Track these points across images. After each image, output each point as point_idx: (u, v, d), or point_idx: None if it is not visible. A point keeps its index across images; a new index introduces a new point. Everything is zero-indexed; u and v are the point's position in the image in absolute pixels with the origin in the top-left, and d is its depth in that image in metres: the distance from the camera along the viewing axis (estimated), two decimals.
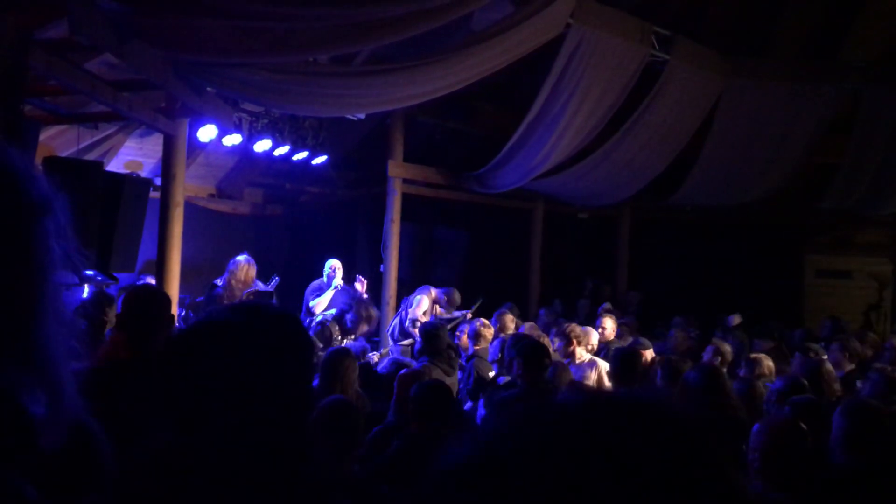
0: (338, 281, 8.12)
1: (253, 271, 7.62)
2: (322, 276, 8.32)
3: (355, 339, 7.42)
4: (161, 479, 1.36)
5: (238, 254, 7.72)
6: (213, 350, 1.38)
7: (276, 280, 7.82)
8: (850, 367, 6.60)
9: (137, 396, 2.48)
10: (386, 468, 3.67)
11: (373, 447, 4.19)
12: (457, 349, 6.58)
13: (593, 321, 10.17)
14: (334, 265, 8.24)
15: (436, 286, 8.67)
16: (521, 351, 5.29)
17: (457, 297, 8.66)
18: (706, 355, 6.71)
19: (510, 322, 7.72)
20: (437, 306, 8.62)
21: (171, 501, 1.33)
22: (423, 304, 8.48)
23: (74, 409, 1.12)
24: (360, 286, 8.18)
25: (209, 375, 1.36)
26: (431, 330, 6.25)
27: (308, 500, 1.38)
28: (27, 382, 1.03)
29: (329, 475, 1.56)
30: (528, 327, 7.79)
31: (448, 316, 8.60)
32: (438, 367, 5.94)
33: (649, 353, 6.90)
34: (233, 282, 7.46)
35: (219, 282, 7.52)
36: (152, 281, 7.39)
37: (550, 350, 6.07)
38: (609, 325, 7.97)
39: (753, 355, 6.10)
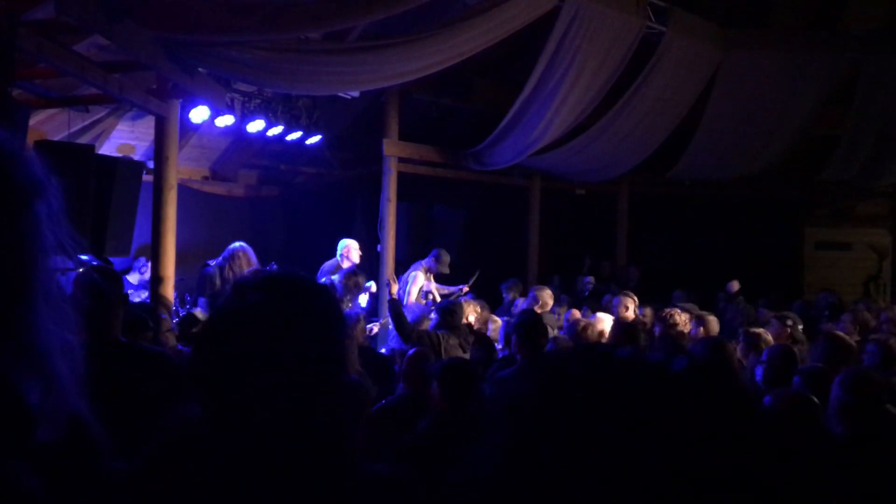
0: (347, 264, 7.96)
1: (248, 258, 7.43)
2: (335, 255, 8.20)
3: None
4: (187, 459, 1.32)
5: (234, 241, 7.52)
6: (247, 329, 1.31)
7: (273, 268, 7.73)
8: (856, 338, 6.56)
9: (99, 379, 2.43)
10: (417, 447, 3.63)
11: (384, 423, 4.15)
12: (470, 326, 6.58)
13: (592, 298, 10.19)
14: (349, 245, 8.11)
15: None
16: (518, 327, 5.28)
17: (445, 257, 8.59)
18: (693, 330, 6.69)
19: (549, 298, 7.68)
20: (431, 275, 8.56)
21: (196, 482, 1.28)
22: (418, 280, 8.45)
23: (72, 400, 1.07)
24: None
25: (244, 354, 1.30)
26: (448, 306, 6.34)
27: (342, 480, 1.33)
28: (22, 373, 0.99)
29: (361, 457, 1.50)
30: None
31: (445, 291, 8.58)
32: (452, 343, 5.97)
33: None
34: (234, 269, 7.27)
35: (212, 262, 7.42)
36: (148, 264, 7.34)
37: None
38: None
39: (753, 330, 6.05)
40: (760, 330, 6.16)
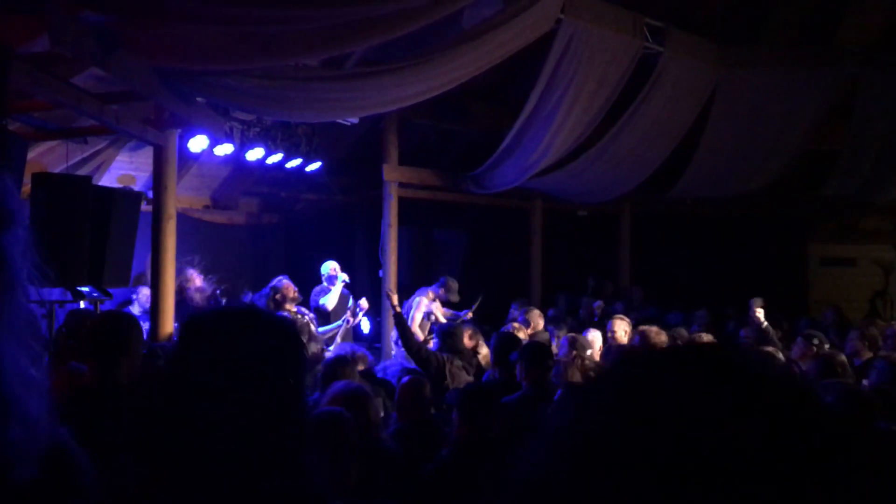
0: (343, 276, 8.17)
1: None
2: (321, 281, 8.28)
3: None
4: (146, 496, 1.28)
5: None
6: (206, 366, 1.30)
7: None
8: (868, 355, 6.48)
9: (105, 423, 2.40)
10: (438, 475, 3.58)
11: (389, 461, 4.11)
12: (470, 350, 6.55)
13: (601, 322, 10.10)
14: (333, 266, 8.20)
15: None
16: (524, 353, 5.23)
17: (453, 284, 8.59)
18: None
19: (538, 318, 7.64)
20: (439, 302, 8.55)
21: None
22: (422, 306, 8.42)
23: (44, 438, 1.02)
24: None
25: (203, 391, 1.28)
26: (448, 329, 6.32)
27: None
28: None
29: (323, 488, 1.47)
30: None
31: (449, 314, 8.54)
32: (457, 366, 5.93)
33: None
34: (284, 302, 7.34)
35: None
36: (147, 292, 7.30)
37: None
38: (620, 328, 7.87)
39: (767, 348, 6.00)
40: (771, 348, 6.11)
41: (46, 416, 1.03)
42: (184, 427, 1.26)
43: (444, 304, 8.70)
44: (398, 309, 6.75)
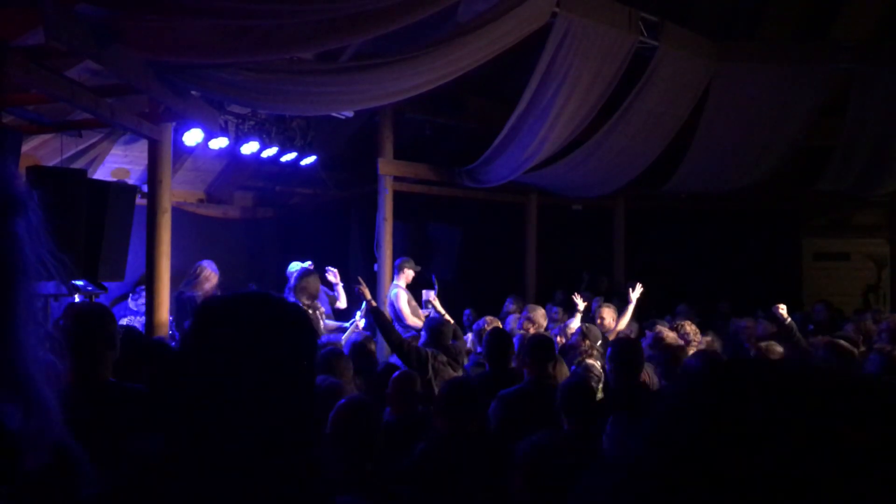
0: (306, 264, 8.12)
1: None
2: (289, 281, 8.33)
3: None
4: (154, 484, 1.29)
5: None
6: (216, 354, 1.32)
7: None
8: (862, 348, 6.50)
9: (89, 419, 2.39)
10: (414, 469, 3.59)
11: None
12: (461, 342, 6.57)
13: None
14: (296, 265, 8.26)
15: (431, 283, 8.62)
16: (527, 347, 5.25)
17: (407, 261, 8.69)
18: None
19: (542, 319, 7.62)
20: (407, 281, 8.59)
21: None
22: (401, 296, 8.41)
23: (58, 426, 1.03)
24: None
25: (213, 379, 1.29)
26: (436, 326, 6.26)
27: (312, 499, 1.31)
28: (6, 399, 0.94)
29: (339, 474, 1.48)
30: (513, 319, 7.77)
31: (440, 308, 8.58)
32: (441, 361, 5.92)
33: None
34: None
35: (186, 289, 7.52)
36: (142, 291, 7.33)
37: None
38: (608, 315, 7.89)
39: (763, 343, 6.01)
40: (772, 342, 6.13)
41: (59, 404, 1.04)
42: (198, 406, 1.28)
43: (414, 282, 8.73)
44: (374, 303, 6.71)
